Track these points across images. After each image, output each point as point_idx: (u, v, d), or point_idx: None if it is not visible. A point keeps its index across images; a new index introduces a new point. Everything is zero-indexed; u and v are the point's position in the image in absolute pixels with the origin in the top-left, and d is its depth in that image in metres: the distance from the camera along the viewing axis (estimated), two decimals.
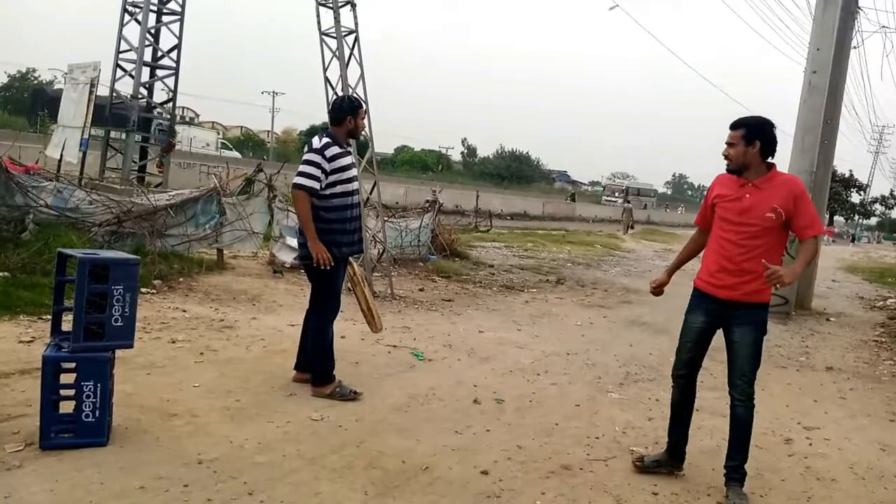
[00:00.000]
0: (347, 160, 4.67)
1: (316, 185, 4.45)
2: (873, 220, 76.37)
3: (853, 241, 56.52)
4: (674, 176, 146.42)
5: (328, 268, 4.53)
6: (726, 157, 3.60)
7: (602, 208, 56.70)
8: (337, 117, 4.75)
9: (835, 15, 10.61)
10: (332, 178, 4.51)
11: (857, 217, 64.60)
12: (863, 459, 4.59)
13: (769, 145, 3.54)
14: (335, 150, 4.57)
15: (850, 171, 52.62)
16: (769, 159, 3.59)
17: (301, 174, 4.45)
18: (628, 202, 43.14)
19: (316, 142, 4.56)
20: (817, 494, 3.97)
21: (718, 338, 3.81)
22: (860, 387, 6.63)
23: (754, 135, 3.52)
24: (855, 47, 15.83)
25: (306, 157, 4.51)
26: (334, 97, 8.23)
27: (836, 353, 8.22)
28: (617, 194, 66.20)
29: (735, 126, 3.59)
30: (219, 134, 53.80)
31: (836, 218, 58.01)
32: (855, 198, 55.75)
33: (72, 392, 3.47)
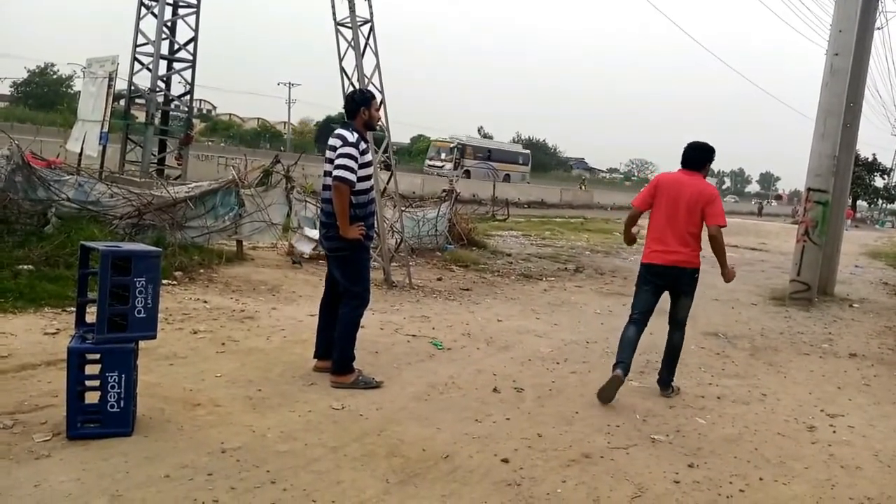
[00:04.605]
0: (370, 155, 4.78)
1: (354, 178, 4.53)
2: None
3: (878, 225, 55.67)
4: None
5: (363, 240, 4.66)
6: None
7: (620, 195, 49.05)
8: (350, 109, 4.80)
9: None
10: (360, 172, 4.59)
11: (880, 201, 63.38)
12: (888, 447, 4.54)
13: None
14: (364, 145, 4.66)
15: (874, 154, 51.78)
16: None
17: (344, 168, 4.50)
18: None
19: (350, 136, 4.60)
20: (841, 482, 3.93)
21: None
22: (884, 374, 6.55)
23: None
24: (879, 28, 15.62)
25: (345, 150, 4.54)
26: (350, 89, 8.25)
27: (859, 339, 8.12)
28: (444, 156, 43.05)
29: None
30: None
31: (859, 202, 57.08)
32: (878, 182, 54.83)
33: (97, 383, 3.52)
